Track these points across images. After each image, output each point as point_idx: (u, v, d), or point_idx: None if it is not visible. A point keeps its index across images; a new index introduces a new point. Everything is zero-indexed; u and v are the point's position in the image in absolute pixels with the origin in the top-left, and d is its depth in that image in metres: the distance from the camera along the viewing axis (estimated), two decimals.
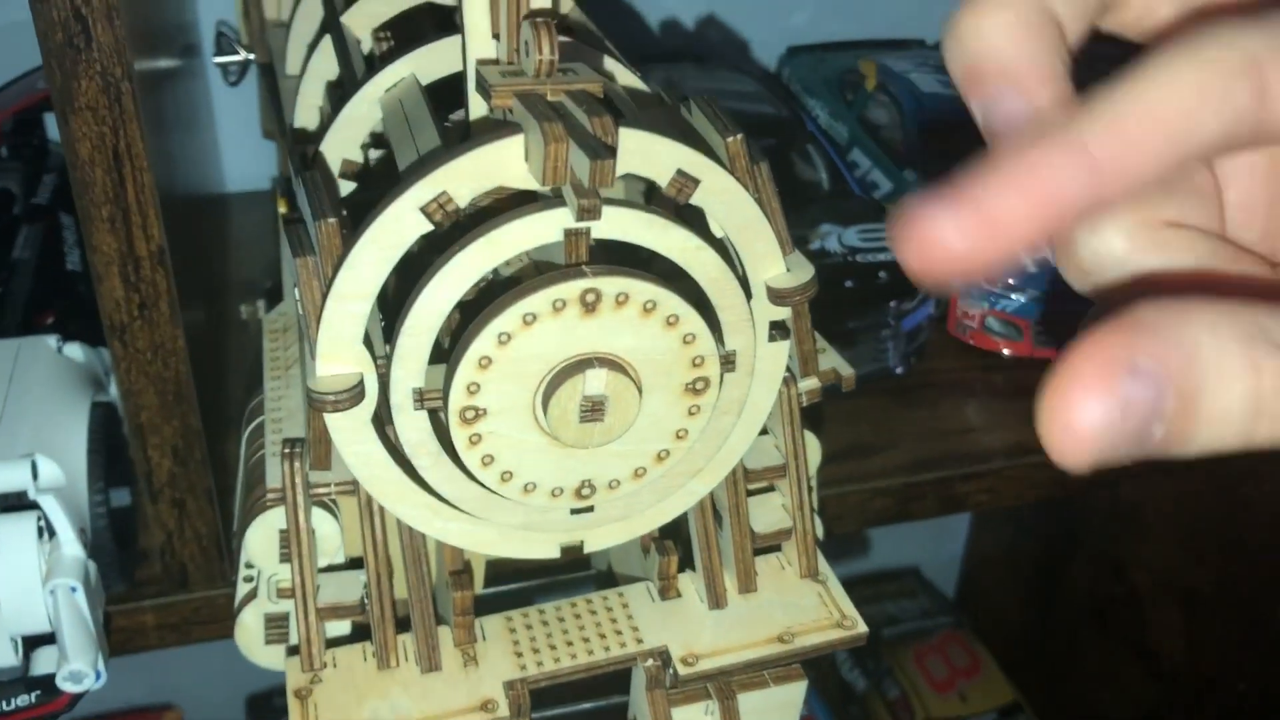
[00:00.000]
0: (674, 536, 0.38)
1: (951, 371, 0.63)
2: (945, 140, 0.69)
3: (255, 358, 0.59)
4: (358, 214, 0.38)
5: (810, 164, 0.68)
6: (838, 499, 0.55)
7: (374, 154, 0.41)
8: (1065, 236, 0.21)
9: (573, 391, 0.30)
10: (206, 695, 0.96)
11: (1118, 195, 0.18)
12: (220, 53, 0.64)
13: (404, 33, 0.45)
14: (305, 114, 0.44)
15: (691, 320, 0.31)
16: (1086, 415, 0.17)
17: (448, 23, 0.48)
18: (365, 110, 0.38)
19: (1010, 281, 0.62)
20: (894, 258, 0.61)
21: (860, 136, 0.73)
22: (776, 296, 0.33)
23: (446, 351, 0.31)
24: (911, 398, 0.60)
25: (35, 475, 0.41)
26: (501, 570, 0.45)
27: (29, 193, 0.62)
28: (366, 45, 0.44)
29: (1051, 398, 0.17)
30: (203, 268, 0.62)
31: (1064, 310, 0.61)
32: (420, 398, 0.31)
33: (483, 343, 0.29)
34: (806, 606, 0.37)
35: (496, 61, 0.32)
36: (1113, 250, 0.21)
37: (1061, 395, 0.17)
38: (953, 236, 0.18)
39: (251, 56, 0.61)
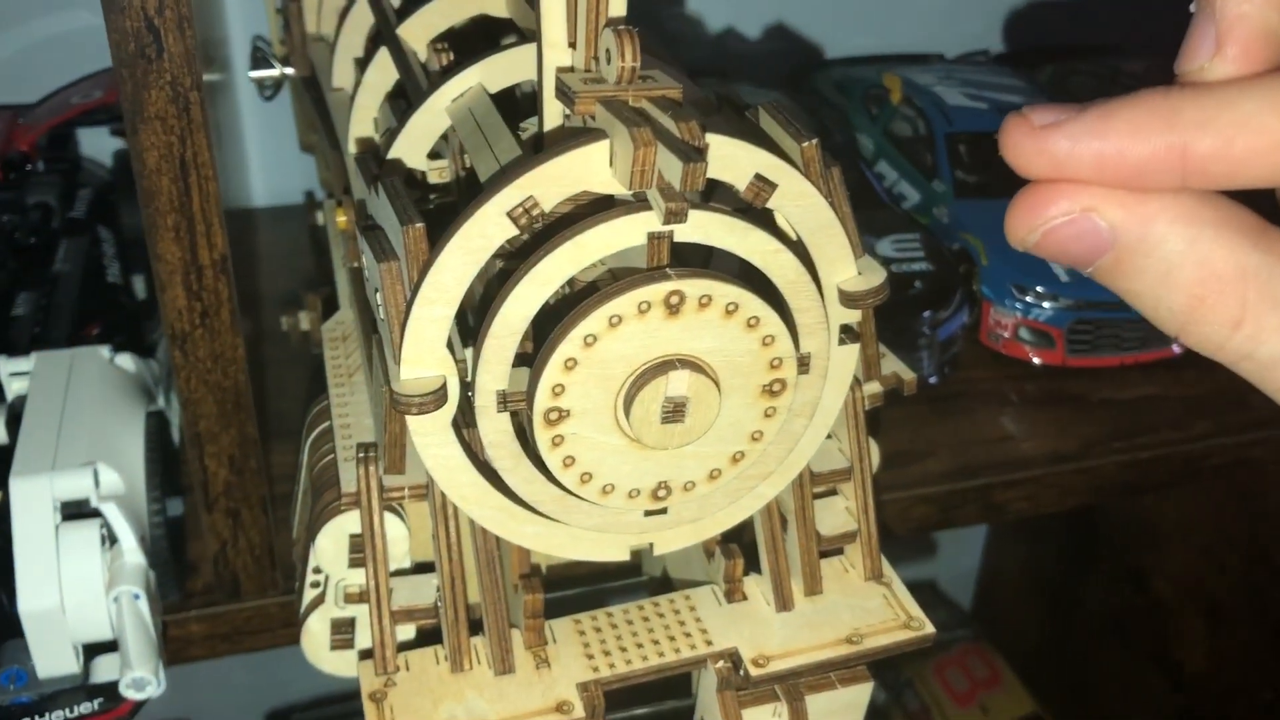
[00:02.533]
0: (735, 541, 0.38)
1: (985, 380, 0.63)
2: (972, 153, 0.70)
3: (298, 373, 0.60)
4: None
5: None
6: (878, 507, 0.55)
7: (430, 164, 0.41)
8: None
9: (655, 393, 0.30)
10: (225, 711, 0.96)
11: (1202, 187, 0.19)
12: (256, 67, 0.65)
13: (457, 44, 0.45)
14: (361, 125, 0.45)
15: (772, 322, 0.31)
16: (1028, 216, 0.20)
17: (498, 34, 0.49)
18: (432, 120, 0.38)
19: (1040, 290, 0.62)
20: (928, 268, 0.62)
21: (887, 149, 0.74)
22: (849, 300, 0.34)
23: (522, 357, 0.32)
24: (948, 406, 0.61)
25: (97, 483, 0.41)
26: (553, 576, 0.45)
27: (66, 206, 0.63)
28: (422, 56, 0.45)
29: (1030, 189, 0.20)
30: (239, 281, 0.63)
31: (1095, 320, 0.62)
32: (504, 400, 0.31)
33: (569, 345, 0.30)
34: (873, 608, 0.37)
35: (572, 69, 0.33)
36: None
37: (1032, 193, 0.20)
38: (1031, 155, 0.20)
39: (290, 71, 0.62)
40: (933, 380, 0.61)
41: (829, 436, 0.38)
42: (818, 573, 0.37)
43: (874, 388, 0.39)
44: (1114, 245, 0.20)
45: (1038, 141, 0.20)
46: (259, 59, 0.64)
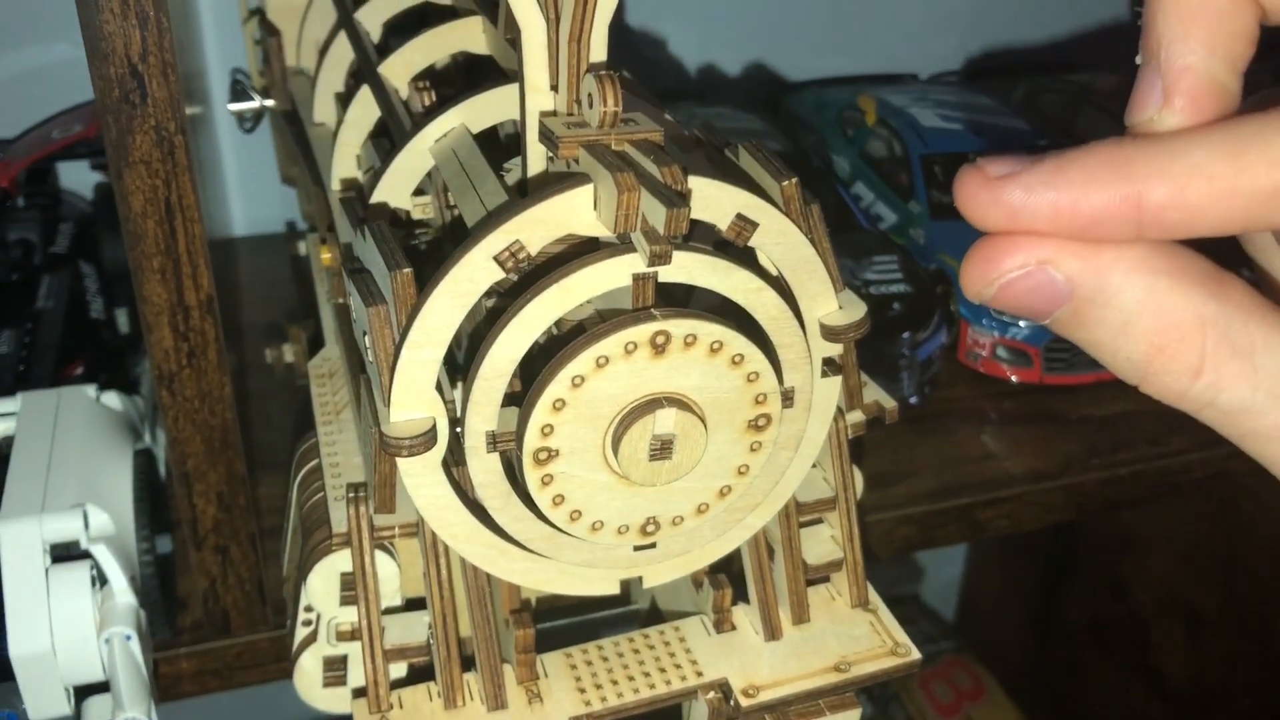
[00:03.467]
0: (724, 571, 0.39)
1: (965, 400, 0.64)
2: (947, 173, 0.71)
3: (284, 404, 0.60)
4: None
5: (818, 199, 0.70)
6: (862, 529, 0.56)
7: (414, 200, 0.42)
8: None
9: (643, 431, 0.31)
10: None
11: (1160, 238, 0.19)
12: (235, 99, 0.65)
13: (436, 83, 0.46)
14: (344, 163, 0.45)
15: (756, 359, 0.31)
16: (983, 270, 0.20)
17: (479, 71, 0.49)
18: (415, 160, 0.39)
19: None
20: (907, 289, 0.63)
21: (863, 170, 0.74)
22: (831, 334, 0.34)
23: (510, 397, 0.32)
24: (928, 426, 0.61)
25: (86, 525, 0.41)
26: (541, 608, 0.45)
27: (47, 242, 0.63)
28: (403, 94, 0.45)
29: (983, 242, 0.20)
30: (222, 314, 0.63)
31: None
32: (493, 441, 0.31)
33: (557, 386, 0.30)
34: (860, 636, 0.38)
35: (554, 113, 0.33)
36: None
37: (986, 246, 0.20)
38: (987, 208, 0.20)
39: (269, 103, 0.62)
40: (913, 400, 0.62)
41: (814, 466, 0.39)
42: (805, 601, 0.38)
43: (856, 417, 0.39)
44: (1071, 297, 0.20)
45: (993, 193, 0.20)
46: (238, 92, 0.64)
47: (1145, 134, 0.20)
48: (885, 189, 0.72)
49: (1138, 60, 0.21)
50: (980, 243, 0.20)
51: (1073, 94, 0.81)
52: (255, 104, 0.64)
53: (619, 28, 0.82)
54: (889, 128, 0.74)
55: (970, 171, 0.20)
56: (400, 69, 0.45)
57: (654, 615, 0.44)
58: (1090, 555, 0.99)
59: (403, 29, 0.49)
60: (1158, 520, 0.90)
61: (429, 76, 0.47)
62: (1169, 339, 0.19)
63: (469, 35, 0.45)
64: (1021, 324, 0.63)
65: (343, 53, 0.50)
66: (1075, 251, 0.20)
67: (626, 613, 0.46)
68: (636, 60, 0.83)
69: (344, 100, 0.48)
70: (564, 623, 0.45)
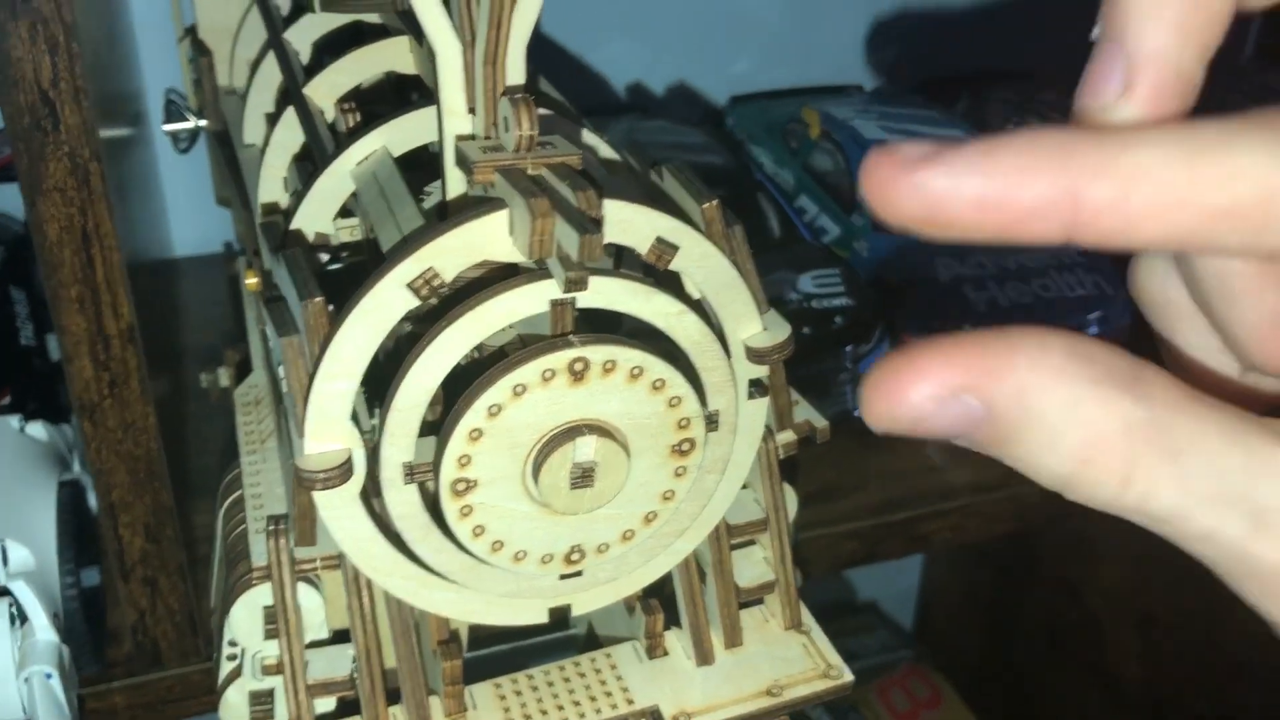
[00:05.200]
0: (657, 594, 0.38)
1: None
2: None
3: (221, 427, 0.59)
4: (330, 287, 0.38)
5: (761, 212, 0.70)
6: (806, 543, 0.56)
7: (340, 222, 0.41)
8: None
9: (563, 459, 0.30)
10: None
11: (1089, 243, 0.17)
12: (170, 120, 0.64)
13: (366, 102, 0.45)
14: (270, 185, 0.44)
15: (677, 383, 0.31)
16: (893, 405, 0.18)
17: (408, 91, 0.49)
18: (336, 184, 0.38)
19: (956, 320, 0.63)
20: (849, 303, 0.63)
21: (807, 183, 0.74)
22: (755, 355, 0.34)
23: (430, 424, 0.31)
24: (872, 439, 0.60)
25: (5, 561, 0.40)
26: (482, 634, 0.45)
27: None
28: (329, 115, 0.44)
29: (884, 372, 0.18)
30: (156, 336, 0.62)
31: None
32: (410, 472, 0.31)
33: (473, 416, 0.30)
34: (792, 658, 0.37)
35: (473, 136, 0.33)
36: None
37: (888, 374, 0.18)
38: (905, 190, 0.17)
39: (203, 124, 0.61)
40: (857, 413, 0.62)
41: (745, 487, 0.38)
42: (737, 625, 0.38)
43: (787, 437, 0.39)
44: (988, 420, 0.18)
45: (910, 177, 0.17)
46: (172, 112, 0.64)
47: (1094, 124, 0.18)
48: (829, 202, 0.72)
49: (1093, 34, 0.18)
50: (879, 370, 0.18)
51: (1017, 103, 0.81)
52: (189, 124, 0.63)
53: (561, 41, 0.82)
54: (832, 140, 0.74)
55: (881, 155, 0.17)
56: (325, 90, 0.44)
57: (592, 640, 0.44)
58: (1045, 561, 0.99)
59: (338, 48, 0.49)
60: (1108, 525, 0.90)
61: (364, 96, 0.46)
62: (1095, 452, 0.18)
63: (396, 55, 0.44)
64: (964, 331, 0.63)
65: (272, 73, 0.50)
66: (988, 373, 0.18)
67: (564, 638, 0.45)
68: (579, 74, 0.83)
69: (273, 121, 0.48)
70: (500, 649, 0.44)
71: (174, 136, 0.64)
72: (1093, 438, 0.18)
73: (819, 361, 0.60)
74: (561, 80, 0.82)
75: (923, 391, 0.18)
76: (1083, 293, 0.65)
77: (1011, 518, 0.59)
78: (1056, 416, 0.18)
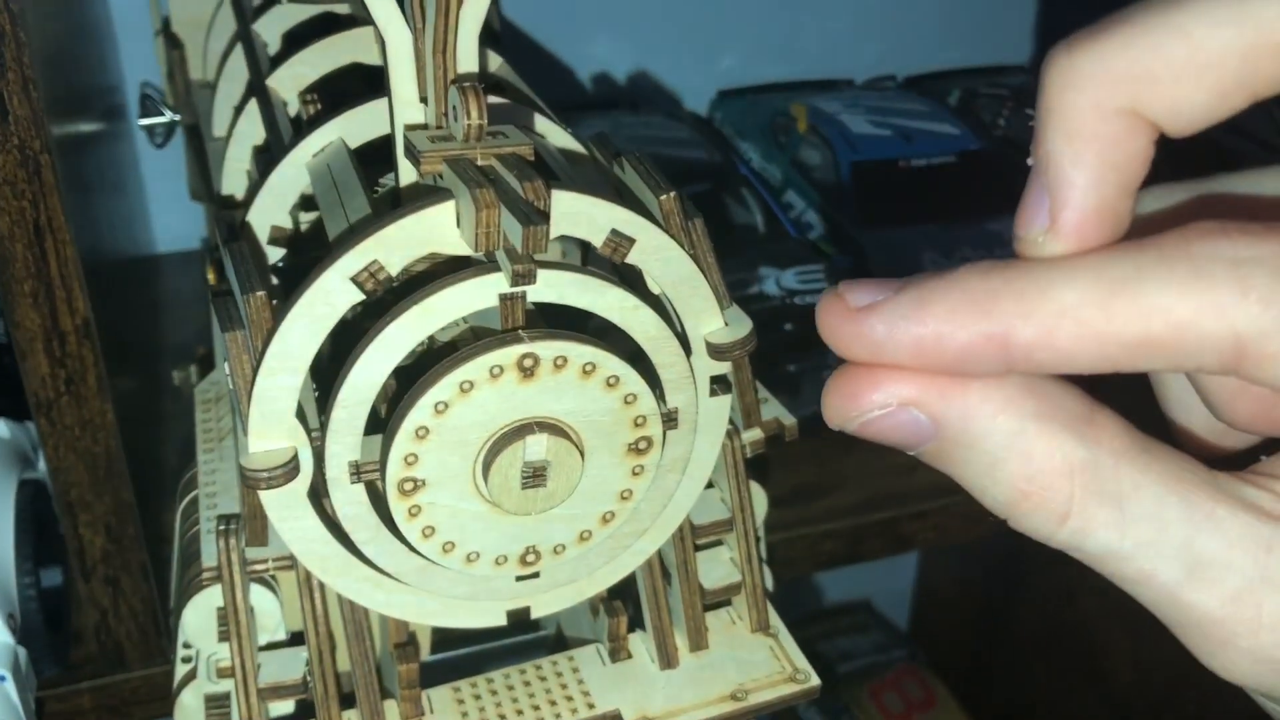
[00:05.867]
0: (623, 595, 0.38)
1: None
2: (876, 179, 0.70)
3: (191, 426, 0.58)
4: (289, 280, 0.37)
5: (745, 208, 0.69)
6: (786, 543, 0.55)
7: (304, 216, 0.40)
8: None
9: (513, 458, 0.30)
10: None
11: (1029, 373, 0.19)
12: (145, 114, 0.63)
13: (331, 94, 0.44)
14: (232, 178, 0.44)
15: (632, 380, 0.30)
16: (845, 405, 0.19)
17: (374, 83, 0.48)
18: (292, 175, 0.37)
19: None
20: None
21: (794, 178, 0.73)
22: (716, 352, 0.33)
23: (383, 420, 0.31)
24: (854, 438, 0.60)
25: None
26: (448, 635, 0.44)
27: None
28: (294, 108, 0.44)
29: (845, 375, 0.19)
30: (134, 332, 0.61)
31: None
32: (357, 471, 0.30)
33: (419, 413, 0.29)
34: (758, 661, 0.36)
35: (425, 126, 0.32)
36: None
37: (848, 379, 0.19)
38: (850, 342, 0.19)
39: (178, 118, 0.61)
40: None
41: (711, 486, 0.38)
42: (702, 627, 0.37)
43: (754, 435, 0.38)
44: (936, 436, 0.19)
45: (855, 326, 0.19)
46: (148, 106, 0.63)
47: (1022, 258, 0.19)
48: (816, 197, 0.71)
49: (1029, 162, 0.19)
50: (840, 375, 0.19)
51: (1008, 96, 0.80)
52: (164, 119, 0.62)
53: (549, 37, 0.81)
54: (820, 135, 0.73)
55: (831, 301, 0.19)
56: (289, 82, 0.43)
57: (561, 642, 0.43)
58: (1038, 562, 0.98)
59: (310, 38, 0.48)
60: None
61: (333, 86, 0.46)
62: (1035, 485, 0.18)
63: (360, 46, 0.43)
64: None
65: (240, 65, 0.49)
66: (939, 391, 0.19)
67: (533, 640, 0.44)
68: (567, 70, 0.82)
69: (241, 112, 0.47)
70: (467, 651, 0.44)
71: (150, 131, 0.64)
72: (1032, 471, 0.18)
73: (801, 358, 0.59)
74: (550, 76, 0.82)
75: (874, 399, 0.19)
76: None
77: (992, 518, 0.58)
78: (998, 445, 0.19)
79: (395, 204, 0.33)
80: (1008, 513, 0.19)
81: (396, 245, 0.29)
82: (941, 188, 0.70)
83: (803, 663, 0.36)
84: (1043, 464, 0.18)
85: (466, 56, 0.31)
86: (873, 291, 0.19)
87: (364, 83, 0.48)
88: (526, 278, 0.28)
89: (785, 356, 0.59)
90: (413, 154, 0.30)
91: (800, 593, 1.09)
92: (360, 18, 0.45)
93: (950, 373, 0.19)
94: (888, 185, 0.69)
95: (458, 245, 0.30)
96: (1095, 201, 0.18)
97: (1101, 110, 0.18)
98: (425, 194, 0.30)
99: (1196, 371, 0.19)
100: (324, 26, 0.48)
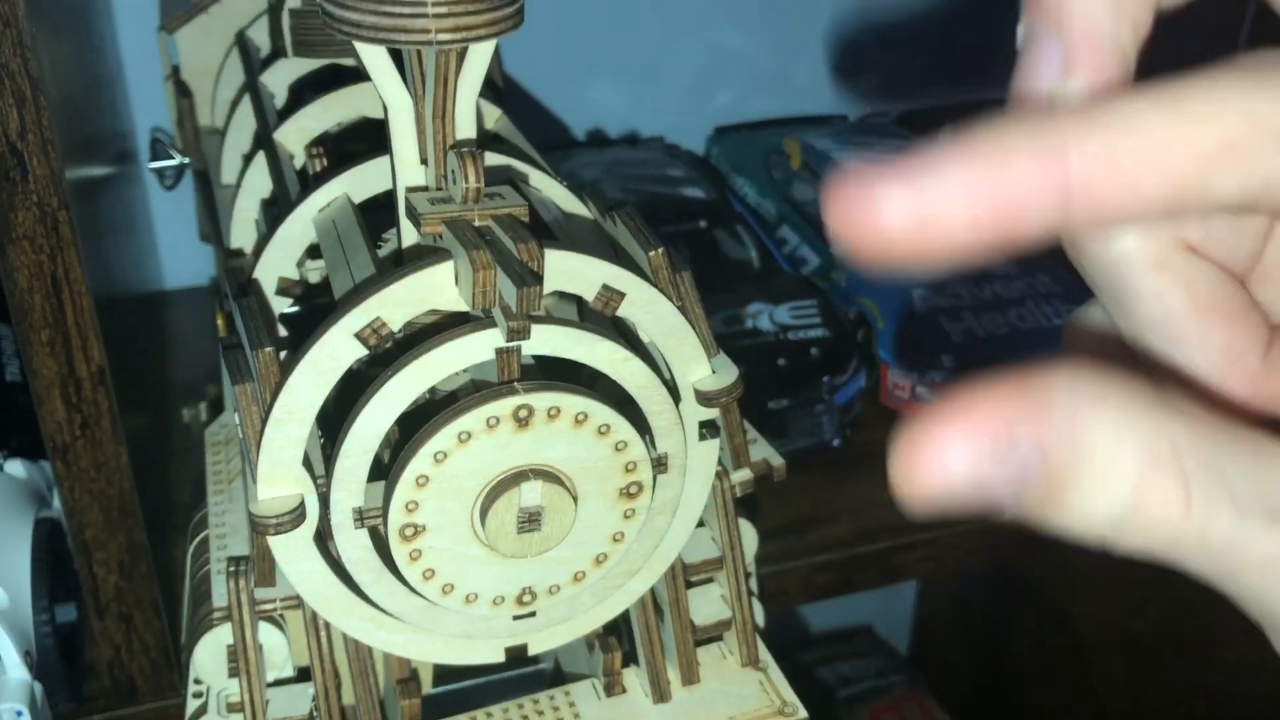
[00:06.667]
0: (618, 631, 0.39)
1: (886, 442, 0.64)
2: None
3: (199, 463, 0.60)
4: (294, 328, 0.39)
5: (740, 243, 0.70)
6: (780, 575, 0.56)
7: (310, 264, 0.42)
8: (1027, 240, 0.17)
9: (509, 504, 0.31)
10: None
11: (1091, 225, 0.16)
12: (155, 158, 0.65)
13: (337, 146, 0.46)
14: (241, 228, 0.45)
15: (622, 428, 0.32)
16: (939, 466, 0.15)
17: (378, 136, 0.49)
18: (299, 230, 0.39)
19: (934, 352, 0.64)
20: (825, 334, 0.63)
21: (788, 213, 0.75)
22: (704, 399, 0.35)
23: (385, 466, 0.32)
24: (850, 469, 0.62)
25: None
26: (450, 668, 0.45)
27: None
28: (299, 160, 0.45)
29: (918, 432, 0.15)
30: (144, 371, 0.63)
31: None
32: (360, 516, 0.32)
33: (420, 462, 0.30)
34: (748, 695, 0.38)
35: (426, 187, 0.34)
36: (1118, 250, 0.19)
37: (928, 435, 0.15)
38: (887, 213, 0.15)
39: (187, 161, 0.62)
40: (835, 443, 0.62)
41: (702, 525, 0.39)
42: (694, 662, 0.38)
43: (744, 475, 0.39)
44: (1043, 468, 0.16)
45: (889, 188, 0.15)
46: (157, 150, 0.65)
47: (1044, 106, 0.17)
48: (810, 232, 0.73)
49: (1019, 31, 0.18)
50: (913, 435, 0.15)
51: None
52: (174, 162, 0.64)
53: (547, 77, 0.82)
54: (812, 171, 0.74)
55: (844, 180, 0.15)
56: (295, 135, 0.45)
57: (559, 675, 0.44)
58: (1035, 587, 0.99)
59: (319, 89, 0.50)
60: (1098, 554, 0.90)
61: (342, 136, 0.47)
62: (1151, 479, 0.16)
63: (363, 100, 0.45)
64: (944, 359, 0.64)
65: (248, 115, 0.50)
66: (1035, 411, 0.16)
67: (531, 673, 0.46)
68: (565, 109, 0.84)
69: (249, 162, 0.49)
70: (466, 685, 0.45)
71: (159, 174, 0.66)
72: (1147, 463, 0.16)
73: (795, 392, 0.61)
74: (548, 116, 0.83)
75: (977, 445, 0.15)
76: (1059, 323, 0.66)
77: (989, 550, 0.60)
78: (1108, 446, 0.16)
79: (398, 262, 0.35)
80: (1123, 525, 0.16)
81: (398, 303, 0.31)
82: None
83: (791, 696, 0.38)
84: (1154, 447, 0.16)
85: (464, 122, 0.33)
86: (887, 165, 0.15)
87: (368, 134, 0.50)
88: (521, 334, 0.30)
89: (779, 390, 0.60)
90: (414, 215, 0.32)
91: (800, 618, 1.10)
92: (364, 72, 0.47)
93: (1000, 227, 0.15)
94: None
95: (456, 302, 0.31)
96: (1114, 42, 0.17)
97: None
98: (426, 254, 0.32)
99: (1262, 192, 0.16)
100: (330, 78, 0.49)
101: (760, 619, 0.41)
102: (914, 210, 0.15)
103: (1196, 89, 0.15)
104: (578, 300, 0.40)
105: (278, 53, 0.52)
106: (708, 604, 0.39)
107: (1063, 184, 0.15)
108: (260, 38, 0.55)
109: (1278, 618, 0.17)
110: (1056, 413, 0.16)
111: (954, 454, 0.15)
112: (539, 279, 0.29)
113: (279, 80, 0.51)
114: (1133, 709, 0.88)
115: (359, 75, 0.47)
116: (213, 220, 0.52)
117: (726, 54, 0.85)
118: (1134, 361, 0.20)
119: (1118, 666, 0.89)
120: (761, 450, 0.42)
